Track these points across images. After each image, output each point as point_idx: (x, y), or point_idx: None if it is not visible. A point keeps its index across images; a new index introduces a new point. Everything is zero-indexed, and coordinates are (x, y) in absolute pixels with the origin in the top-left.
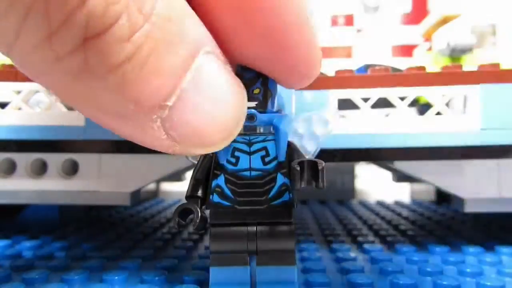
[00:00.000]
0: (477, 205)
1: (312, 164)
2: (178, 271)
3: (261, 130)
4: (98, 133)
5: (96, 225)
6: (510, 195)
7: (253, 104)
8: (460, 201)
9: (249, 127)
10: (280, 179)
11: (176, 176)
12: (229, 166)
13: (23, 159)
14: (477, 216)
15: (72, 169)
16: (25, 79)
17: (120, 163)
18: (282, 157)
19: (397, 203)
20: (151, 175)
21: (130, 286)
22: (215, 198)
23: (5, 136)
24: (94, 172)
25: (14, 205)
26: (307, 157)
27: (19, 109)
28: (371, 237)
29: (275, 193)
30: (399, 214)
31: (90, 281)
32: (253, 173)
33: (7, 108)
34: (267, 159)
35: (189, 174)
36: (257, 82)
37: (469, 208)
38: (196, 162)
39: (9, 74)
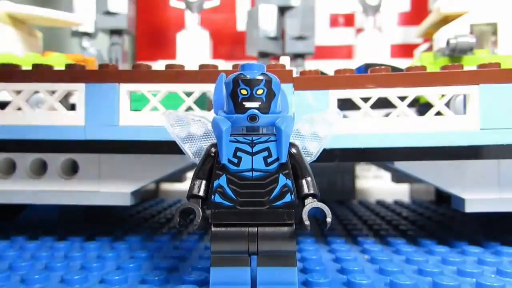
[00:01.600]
0: (477, 205)
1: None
2: (178, 271)
3: (264, 131)
4: (98, 133)
5: (96, 225)
6: (510, 195)
7: (256, 104)
8: (460, 201)
9: (252, 128)
10: (282, 180)
11: (177, 176)
12: (231, 167)
13: (23, 159)
14: (477, 216)
15: (72, 169)
16: (25, 79)
17: (120, 163)
18: (284, 158)
19: (397, 203)
20: (151, 175)
21: (130, 286)
22: (217, 198)
23: (5, 136)
24: (94, 172)
25: (14, 205)
26: (309, 159)
27: (19, 109)
28: (371, 237)
29: (277, 194)
30: (399, 214)
31: (90, 281)
32: (255, 173)
33: (7, 108)
34: (269, 160)
35: (190, 174)
36: (260, 82)
37: (469, 208)
38: (197, 162)
39: (9, 73)
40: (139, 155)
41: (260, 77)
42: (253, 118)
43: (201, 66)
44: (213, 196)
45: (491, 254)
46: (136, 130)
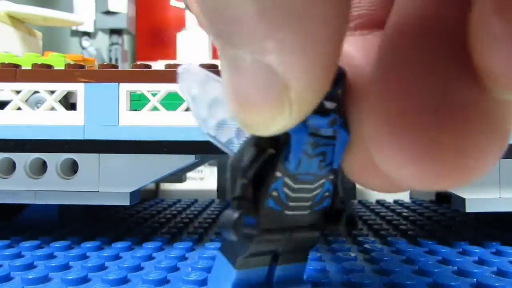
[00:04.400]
0: (477, 205)
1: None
2: (178, 271)
3: (327, 134)
4: (97, 133)
5: (96, 225)
6: (510, 195)
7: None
8: (460, 201)
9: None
10: (327, 185)
11: (177, 176)
12: (292, 169)
13: (23, 159)
14: (477, 216)
15: (71, 169)
16: (25, 79)
17: (120, 163)
18: (336, 164)
19: (397, 202)
20: (151, 175)
21: (130, 286)
22: (271, 203)
23: (5, 136)
24: (94, 172)
25: (14, 205)
26: None
27: (19, 109)
28: (371, 237)
29: (319, 199)
30: (399, 214)
31: (90, 281)
32: (308, 177)
33: (7, 108)
34: (323, 164)
35: (190, 175)
36: (338, 83)
37: (469, 208)
38: (217, 144)
39: (9, 73)
40: (139, 155)
41: (338, 77)
42: (333, 122)
43: (201, 66)
44: (267, 201)
45: (491, 254)
46: (136, 130)
